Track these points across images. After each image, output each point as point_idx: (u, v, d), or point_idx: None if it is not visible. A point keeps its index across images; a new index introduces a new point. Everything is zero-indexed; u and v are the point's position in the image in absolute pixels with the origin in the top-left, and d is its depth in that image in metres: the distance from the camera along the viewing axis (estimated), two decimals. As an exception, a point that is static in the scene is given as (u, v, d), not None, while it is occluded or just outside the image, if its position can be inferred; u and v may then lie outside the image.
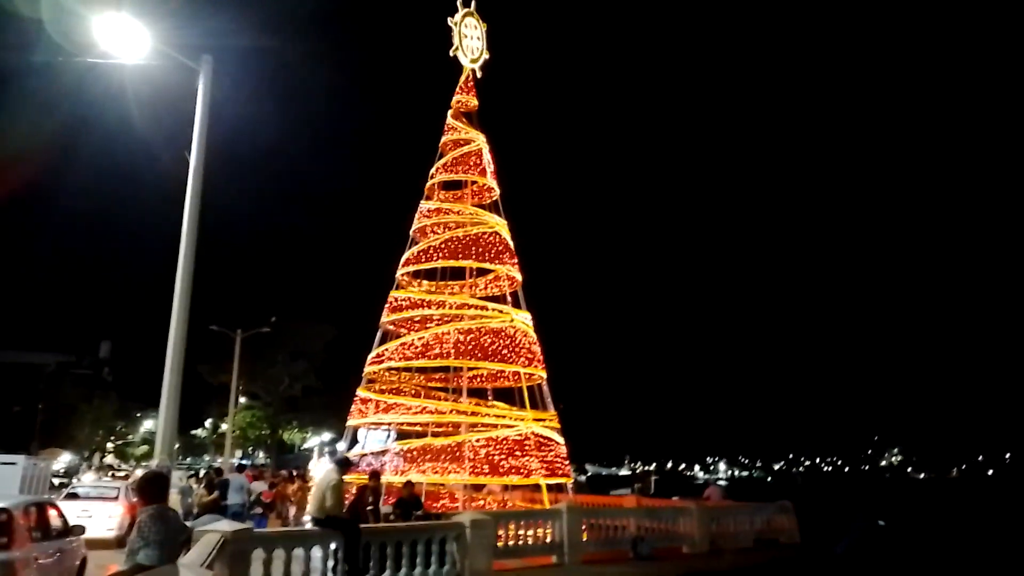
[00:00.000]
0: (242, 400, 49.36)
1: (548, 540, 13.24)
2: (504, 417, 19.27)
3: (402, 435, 21.24)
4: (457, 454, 18.20)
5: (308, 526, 15.43)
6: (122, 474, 43.72)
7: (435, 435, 19.74)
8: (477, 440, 18.43)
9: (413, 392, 21.28)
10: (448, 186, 23.33)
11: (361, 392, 20.57)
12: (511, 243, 21.67)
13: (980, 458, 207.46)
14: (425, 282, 22.36)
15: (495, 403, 20.52)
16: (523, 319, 20.68)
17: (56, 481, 30.11)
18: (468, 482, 18.67)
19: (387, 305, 21.42)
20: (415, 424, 20.85)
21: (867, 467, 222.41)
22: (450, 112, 23.66)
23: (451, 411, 19.46)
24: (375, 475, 10.94)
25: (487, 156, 22.87)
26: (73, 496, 16.78)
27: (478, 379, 21.60)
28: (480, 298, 21.25)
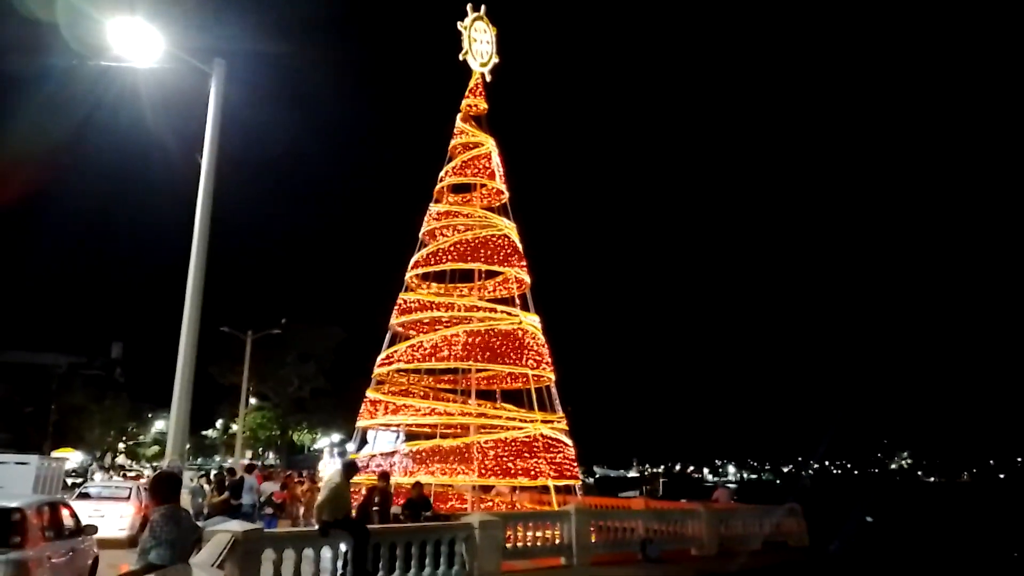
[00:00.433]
0: (252, 401, 49.62)
1: (557, 542, 13.26)
2: (513, 419, 19.30)
3: (411, 436, 21.30)
4: (466, 455, 18.25)
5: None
6: (133, 474, 44.00)
7: (444, 436, 19.78)
8: (486, 442, 18.47)
9: (422, 394, 21.34)
10: (457, 189, 23.40)
11: (370, 393, 20.66)
12: (520, 246, 21.71)
13: (991, 462, 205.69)
14: (434, 284, 22.44)
15: (504, 405, 20.54)
16: (532, 321, 20.72)
17: (69, 481, 30.35)
18: (477, 483, 18.71)
19: (396, 307, 21.50)
20: (424, 426, 20.91)
21: (876, 470, 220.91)
22: (459, 116, 23.74)
23: (460, 413, 19.50)
24: (385, 476, 10.99)
25: (496, 159, 22.94)
26: (85, 496, 16.91)
27: (487, 381, 21.63)
28: (489, 300, 21.31)
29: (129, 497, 17.01)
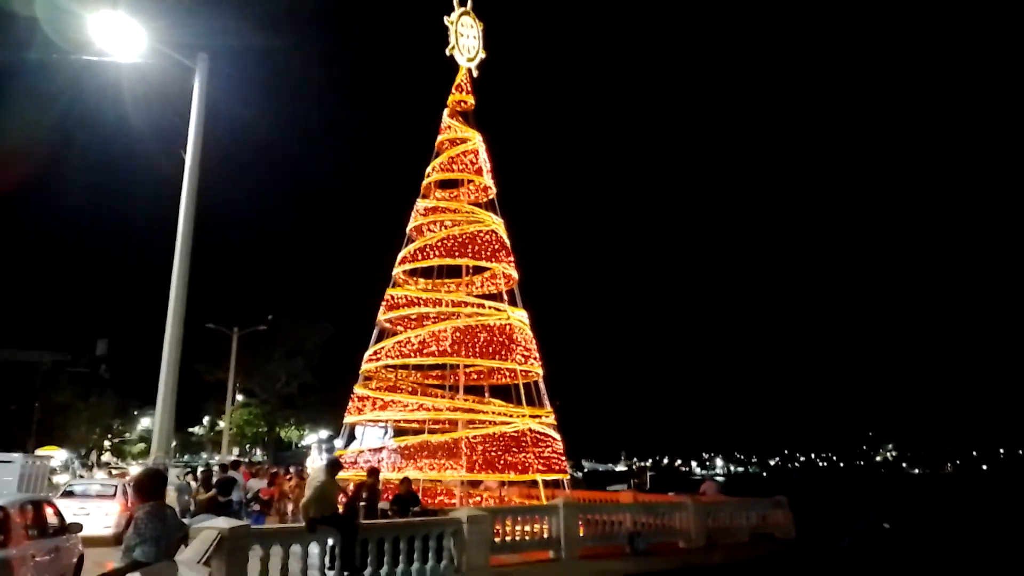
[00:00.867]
0: (239, 398, 49.39)
1: (545, 535, 13.31)
2: (501, 414, 19.33)
3: (399, 432, 21.28)
4: (454, 451, 18.26)
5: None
6: (117, 471, 43.70)
7: (432, 432, 19.78)
8: (474, 436, 18.48)
9: (410, 389, 21.34)
10: (444, 185, 23.36)
11: (358, 389, 20.61)
12: (507, 241, 21.71)
13: (974, 453, 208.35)
14: (422, 280, 22.41)
15: (492, 400, 20.57)
16: (520, 317, 20.74)
17: (59, 479, 30.08)
18: (465, 478, 18.73)
19: (384, 303, 21.46)
20: (412, 421, 20.90)
21: (862, 462, 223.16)
22: (446, 111, 23.67)
23: (448, 408, 19.51)
24: (373, 472, 10.98)
25: (483, 155, 22.90)
26: (70, 494, 16.79)
27: (474, 376, 21.65)
28: (477, 296, 21.29)
29: (115, 495, 16.91)
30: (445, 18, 23.40)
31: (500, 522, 12.09)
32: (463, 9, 23.65)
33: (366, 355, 20.95)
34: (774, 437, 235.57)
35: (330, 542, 8.81)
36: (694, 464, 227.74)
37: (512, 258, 21.61)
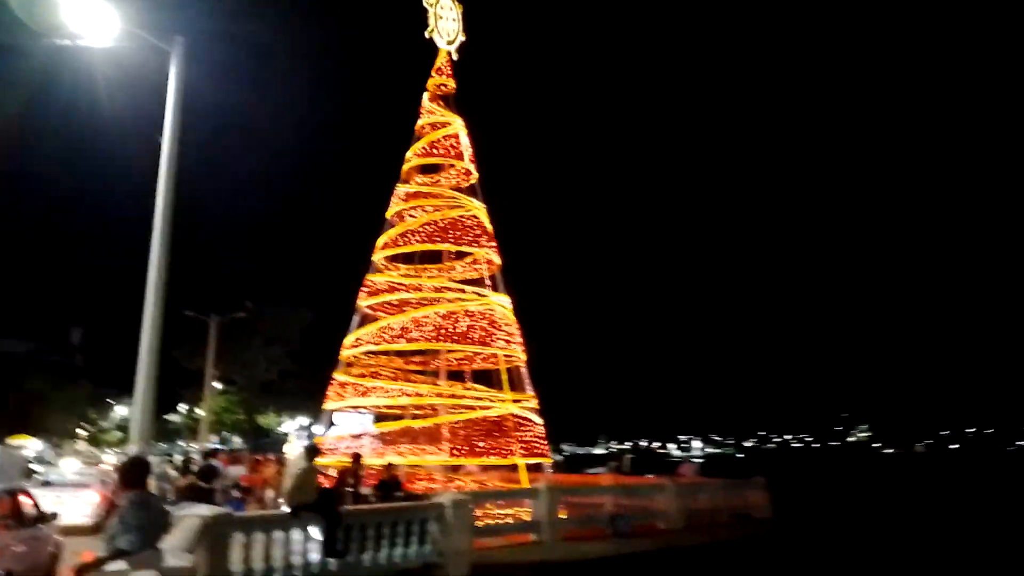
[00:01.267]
0: (217, 385, 48.94)
1: (527, 519, 13.44)
2: (483, 399, 19.38)
3: (380, 418, 21.27)
4: (436, 436, 18.30)
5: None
6: (92, 461, 43.19)
7: (414, 418, 19.80)
8: (456, 422, 18.53)
9: (391, 375, 21.30)
10: (425, 169, 23.20)
11: (339, 376, 20.52)
12: (489, 226, 21.64)
13: (944, 433, 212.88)
14: (403, 266, 22.30)
15: (474, 385, 20.60)
16: (501, 302, 20.74)
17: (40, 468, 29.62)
18: (446, 463, 18.79)
19: (364, 289, 21.34)
20: (393, 407, 20.88)
21: (836, 443, 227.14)
22: (426, 95, 23.46)
23: (430, 394, 19.50)
24: (357, 458, 10.97)
25: (464, 139, 22.76)
26: (46, 484, 16.60)
27: (456, 362, 21.65)
28: (458, 281, 21.25)
29: (92, 484, 16.76)
30: (424, 0, 23.15)
31: (483, 506, 12.18)
32: (442, -9, 23.41)
33: (346, 341, 20.85)
34: (750, 419, 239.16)
35: (313, 528, 8.81)
36: (672, 447, 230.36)
37: (494, 243, 21.57)
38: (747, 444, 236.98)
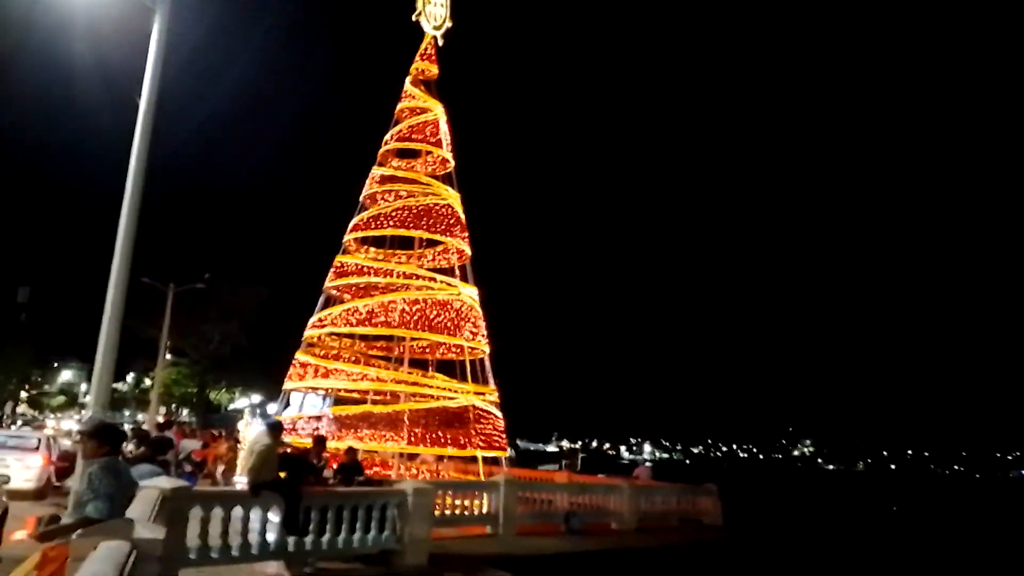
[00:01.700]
0: (167, 357, 47.86)
1: (484, 511, 13.43)
2: (445, 389, 19.30)
3: (339, 401, 21.02)
4: (396, 422, 18.17)
5: (239, 487, 15.25)
6: (36, 424, 41.88)
7: (374, 403, 19.63)
8: (417, 410, 18.42)
9: (353, 359, 21.07)
10: (402, 154, 22.99)
11: (300, 356, 20.22)
12: (463, 216, 21.53)
13: (884, 453, 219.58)
14: (372, 249, 22.05)
15: (436, 375, 20.50)
16: (470, 293, 20.66)
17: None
18: (402, 451, 18.68)
19: (332, 269, 21.06)
20: (353, 391, 20.66)
21: (780, 456, 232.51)
22: (409, 79, 23.23)
23: (392, 380, 19.35)
24: (321, 440, 10.82)
25: (444, 127, 22.59)
26: (-12, 445, 16.02)
27: (420, 350, 21.51)
28: (428, 270, 21.10)
29: (37, 448, 16.23)
30: (413, -17, 22.92)
31: (441, 496, 12.13)
32: (433, -24, 23.18)
33: (311, 321, 20.55)
34: (698, 427, 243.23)
35: (272, 506, 8.66)
36: (623, 448, 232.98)
37: (466, 233, 21.48)
38: (695, 451, 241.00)
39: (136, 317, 43.38)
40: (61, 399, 65.62)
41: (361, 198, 21.95)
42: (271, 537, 8.56)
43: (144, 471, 7.27)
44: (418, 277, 20.34)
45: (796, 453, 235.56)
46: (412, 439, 18.06)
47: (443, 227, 20.85)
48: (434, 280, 20.35)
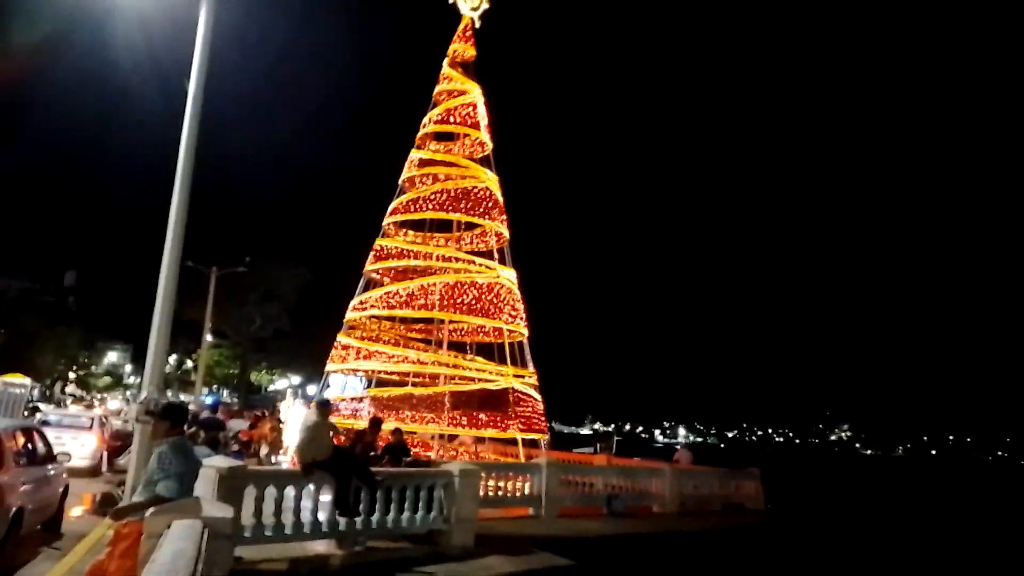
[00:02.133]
0: (208, 338, 48.91)
1: (527, 492, 13.49)
2: (485, 371, 19.35)
3: (379, 383, 21.24)
4: (436, 404, 18.31)
5: (284, 466, 15.51)
6: (85, 403, 43.18)
7: (414, 385, 19.79)
8: (457, 392, 18.54)
9: (393, 341, 21.23)
10: (440, 137, 22.94)
11: (342, 338, 20.44)
12: (501, 199, 21.46)
13: (924, 439, 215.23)
14: (411, 232, 22.13)
15: (475, 357, 20.56)
16: (508, 276, 20.63)
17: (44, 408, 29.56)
18: (442, 432, 18.82)
19: (372, 253, 21.19)
20: (392, 373, 20.86)
21: (816, 440, 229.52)
22: (446, 61, 23.13)
23: (433, 362, 19.47)
24: (377, 422, 10.94)
25: (482, 109, 22.48)
26: (45, 424, 16.55)
27: (459, 332, 21.60)
28: (467, 252, 21.10)
29: (91, 427, 16.73)
30: (451, -36, 22.73)
31: (485, 477, 12.19)
32: (470, -44, 22.97)
33: (352, 304, 20.75)
34: (733, 410, 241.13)
35: (324, 486, 8.78)
36: (656, 432, 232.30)
37: (504, 216, 21.41)
38: (729, 435, 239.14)
39: (179, 299, 44.48)
40: (107, 380, 67.54)
41: (400, 181, 22.01)
42: (322, 516, 8.69)
43: (201, 451, 7.44)
44: (457, 260, 20.37)
45: (833, 438, 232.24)
46: (452, 421, 18.20)
47: (481, 210, 20.81)
48: (472, 263, 20.37)
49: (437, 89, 22.88)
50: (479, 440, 21.32)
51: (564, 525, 13.00)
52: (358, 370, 21.16)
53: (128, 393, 55.66)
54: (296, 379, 52.57)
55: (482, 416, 18.48)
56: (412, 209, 21.13)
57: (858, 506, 24.40)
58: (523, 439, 19.05)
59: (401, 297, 19.53)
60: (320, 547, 8.86)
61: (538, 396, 19.82)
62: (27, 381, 27.21)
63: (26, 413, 22.32)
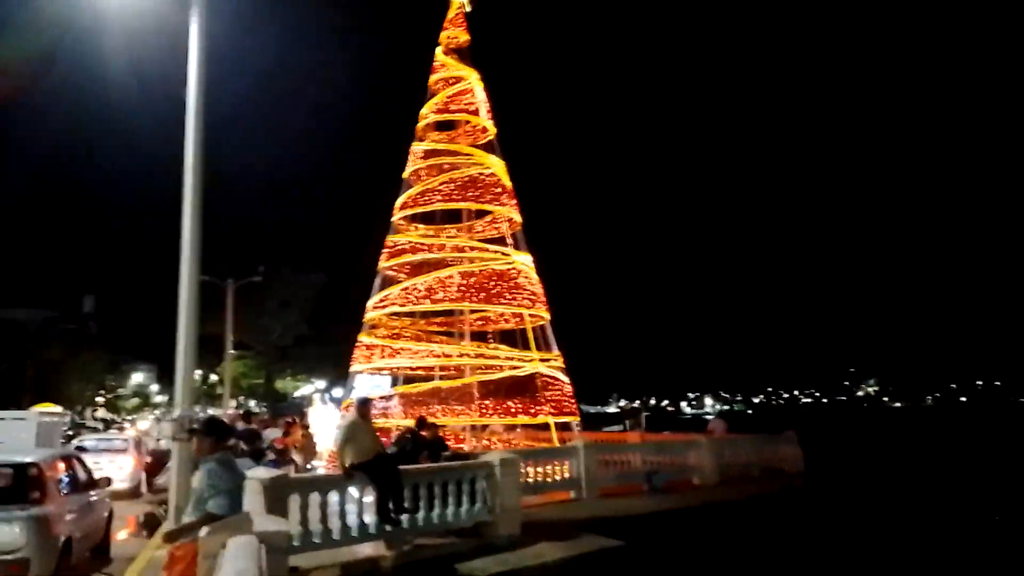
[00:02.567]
0: (230, 351, 49.18)
1: (567, 476, 13.42)
2: (510, 358, 19.24)
3: (406, 380, 21.20)
4: (465, 396, 18.25)
5: (319, 471, 15.49)
6: (117, 426, 43.60)
7: (441, 379, 19.73)
8: (485, 381, 18.46)
9: (415, 337, 21.15)
10: (441, 127, 22.71)
11: (364, 338, 20.38)
12: (508, 183, 21.25)
13: (953, 386, 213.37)
14: (422, 226, 21.98)
15: (499, 345, 20.45)
16: (524, 260, 20.46)
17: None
18: (473, 423, 18.76)
19: (385, 250, 21.07)
20: (418, 368, 20.80)
21: (845, 398, 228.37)
22: (440, 49, 22.86)
23: (458, 354, 19.38)
24: (423, 420, 10.88)
25: (481, 94, 22.21)
26: (82, 450, 16.63)
27: (479, 322, 21.49)
28: (480, 240, 20.94)
29: (127, 449, 16.83)
30: (438, -50, 22.42)
31: (523, 465, 12.11)
32: (456, -59, 22.65)
33: (370, 303, 20.66)
34: (757, 375, 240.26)
35: (368, 489, 8.70)
36: (683, 404, 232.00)
37: (515, 201, 21.20)
38: (756, 400, 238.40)
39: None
40: (136, 401, 68.26)
41: (405, 176, 21.84)
42: (368, 519, 8.63)
43: (244, 464, 7.38)
44: (471, 249, 20.22)
45: (860, 394, 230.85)
46: (482, 411, 18.13)
47: (490, 196, 20.61)
48: (487, 251, 20.20)
49: (433, 78, 22.63)
50: (510, 428, 21.28)
51: (607, 505, 12.93)
52: (383, 369, 21.10)
53: (157, 412, 56.19)
54: (321, 383, 52.73)
55: (511, 404, 18.39)
56: (420, 202, 20.96)
57: (894, 462, 24.17)
58: (555, 423, 18.95)
59: (419, 292, 19.41)
60: (369, 549, 8.81)
61: (566, 378, 19.69)
62: (59, 409, 27.41)
63: (63, 441, 22.51)
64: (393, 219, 21.62)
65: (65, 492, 7.94)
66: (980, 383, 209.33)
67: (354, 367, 20.60)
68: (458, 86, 22.23)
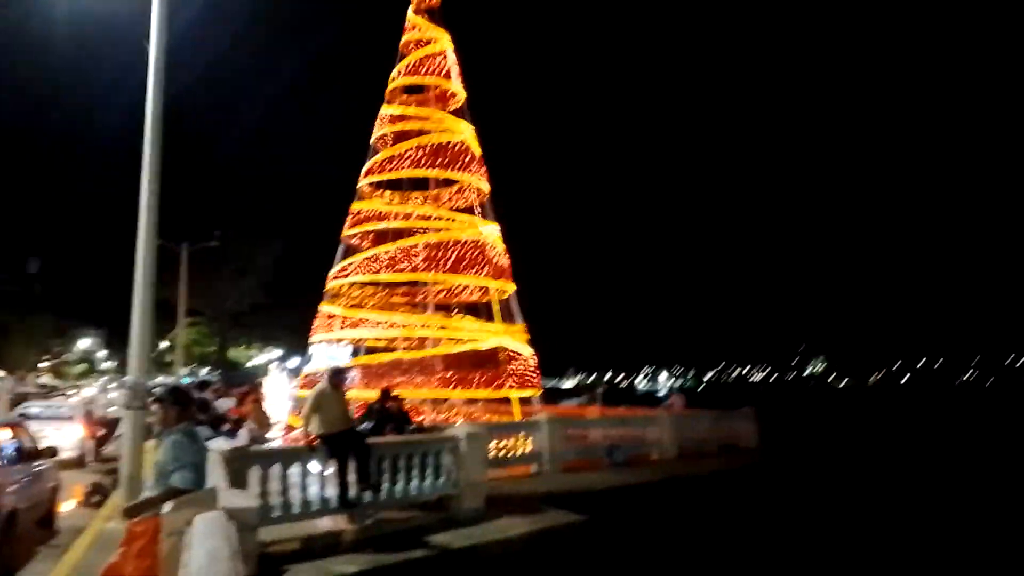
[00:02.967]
0: (183, 317, 47.91)
1: (530, 450, 13.39)
2: (474, 331, 19.09)
3: (368, 350, 20.88)
4: (427, 368, 18.06)
5: (277, 442, 15.18)
6: (71, 393, 42.24)
7: (404, 350, 19.48)
8: (448, 354, 18.29)
9: (377, 307, 20.82)
10: (411, 90, 22.19)
11: (325, 307, 19.97)
12: (478, 151, 20.89)
13: (898, 364, 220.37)
14: (388, 193, 21.53)
15: (464, 316, 20.27)
16: (491, 230, 20.22)
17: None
18: (439, 396, 18.61)
19: (349, 217, 20.61)
20: (380, 339, 20.50)
21: (793, 375, 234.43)
22: (411, 7, 22.21)
23: (421, 325, 19.14)
24: (387, 392, 10.65)
25: (452, 57, 21.71)
26: (25, 417, 15.98)
27: (443, 293, 21.24)
28: (446, 210, 20.61)
29: (72, 417, 16.22)
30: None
31: (490, 439, 12.01)
32: None
33: (332, 272, 20.25)
34: (709, 350, 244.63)
35: (329, 461, 8.49)
36: (639, 379, 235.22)
37: (483, 169, 20.87)
38: (706, 378, 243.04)
39: (150, 279, 43.33)
40: (82, 367, 66.25)
41: (372, 141, 21.32)
42: (330, 492, 8.42)
43: (201, 433, 7.07)
44: (437, 218, 19.89)
45: (808, 372, 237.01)
46: (444, 383, 17.98)
47: (459, 165, 20.26)
48: (453, 220, 19.90)
49: (404, 39, 22.04)
50: (471, 401, 21.19)
51: (569, 480, 12.95)
52: (344, 339, 20.75)
53: (104, 379, 54.58)
54: (277, 352, 51.91)
55: (475, 377, 18.28)
56: (387, 168, 20.51)
57: (842, 438, 24.94)
58: (518, 397, 18.90)
59: (382, 261, 19.07)
60: (331, 523, 8.61)
61: (530, 351, 19.64)
62: (2, 374, 26.36)
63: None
64: (358, 185, 21.13)
65: (8, 462, 7.55)
66: (923, 360, 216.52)
67: (314, 337, 20.23)
68: (428, 48, 21.69)
